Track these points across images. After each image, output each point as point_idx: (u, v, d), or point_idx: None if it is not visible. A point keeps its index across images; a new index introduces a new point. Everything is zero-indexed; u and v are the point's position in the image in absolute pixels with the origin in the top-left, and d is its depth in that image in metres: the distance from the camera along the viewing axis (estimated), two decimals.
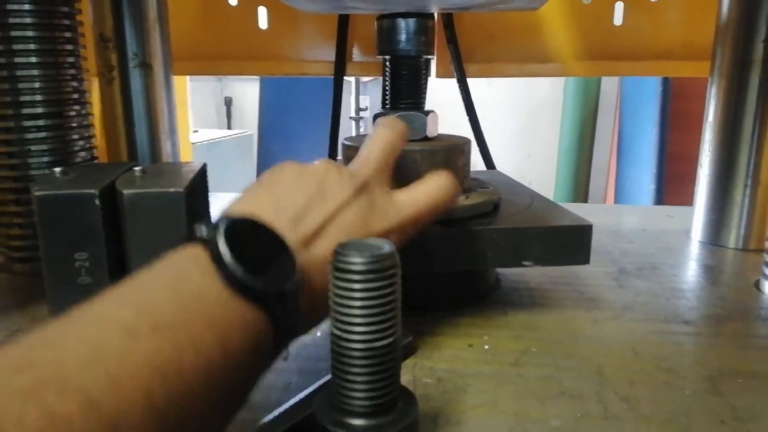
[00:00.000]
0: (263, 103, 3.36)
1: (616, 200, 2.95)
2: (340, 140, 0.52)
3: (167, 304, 0.23)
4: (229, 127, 3.61)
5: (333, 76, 0.86)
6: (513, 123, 3.72)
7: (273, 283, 0.26)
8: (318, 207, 0.31)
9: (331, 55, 0.86)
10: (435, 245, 0.41)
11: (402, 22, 0.46)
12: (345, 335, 0.25)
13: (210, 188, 0.52)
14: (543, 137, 3.75)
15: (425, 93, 0.51)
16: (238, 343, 0.24)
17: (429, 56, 0.49)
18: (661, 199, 2.35)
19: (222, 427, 0.25)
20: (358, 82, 3.14)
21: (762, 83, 0.58)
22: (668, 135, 2.33)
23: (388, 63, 0.49)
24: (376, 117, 0.49)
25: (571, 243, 0.42)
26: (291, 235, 0.29)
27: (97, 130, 0.62)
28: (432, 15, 0.47)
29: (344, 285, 0.25)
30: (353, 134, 3.28)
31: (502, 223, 0.43)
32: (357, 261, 0.25)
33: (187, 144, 1.22)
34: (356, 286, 0.25)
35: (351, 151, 0.47)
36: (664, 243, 0.63)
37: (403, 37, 0.46)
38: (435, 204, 0.36)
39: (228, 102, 3.69)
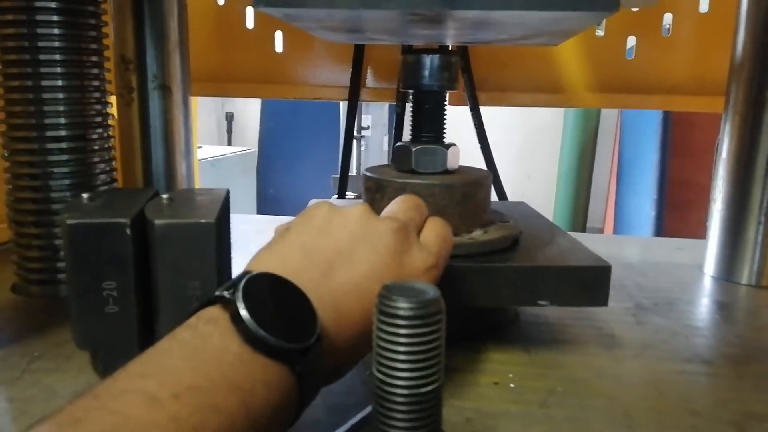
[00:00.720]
0: (264, 119, 3.37)
1: (616, 225, 2.96)
2: (358, 165, 0.52)
3: (188, 369, 0.24)
4: (229, 143, 3.62)
5: (347, 101, 0.86)
6: (513, 144, 3.75)
7: (294, 340, 0.26)
8: (351, 257, 0.31)
9: (344, 79, 0.87)
10: (449, 281, 0.41)
11: (427, 59, 0.47)
12: (389, 380, 0.25)
13: None
14: (543, 159, 3.78)
15: (445, 125, 0.51)
16: (261, 401, 0.24)
17: (452, 90, 0.50)
18: (661, 225, 2.36)
19: None
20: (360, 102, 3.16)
21: None
22: (669, 161, 2.35)
23: (411, 96, 0.50)
24: (396, 150, 0.50)
25: (588, 284, 0.42)
26: (320, 289, 0.29)
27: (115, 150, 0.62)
28: (456, 52, 0.48)
29: (390, 330, 0.25)
30: (354, 152, 3.29)
31: (519, 260, 0.43)
32: (403, 306, 0.25)
33: (196, 161, 1.23)
34: (402, 331, 0.25)
35: (375, 183, 0.47)
36: (677, 277, 0.64)
37: (427, 72, 0.47)
38: (449, 239, 0.37)
39: (229, 117, 3.70)
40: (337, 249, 0.31)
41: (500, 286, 0.42)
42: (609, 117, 3.17)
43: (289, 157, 3.13)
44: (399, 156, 0.48)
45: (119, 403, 0.22)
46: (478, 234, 0.45)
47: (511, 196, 0.80)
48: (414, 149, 0.46)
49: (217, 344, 0.25)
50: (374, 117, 3.25)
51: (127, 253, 0.38)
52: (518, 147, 3.86)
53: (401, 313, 0.25)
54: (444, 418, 0.35)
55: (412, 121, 0.48)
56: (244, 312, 0.25)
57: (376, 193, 0.47)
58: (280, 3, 0.39)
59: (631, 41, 0.81)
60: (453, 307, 0.42)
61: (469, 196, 0.45)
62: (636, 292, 0.58)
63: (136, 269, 0.39)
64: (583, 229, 3.48)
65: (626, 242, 0.85)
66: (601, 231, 3.35)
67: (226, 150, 2.29)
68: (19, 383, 0.34)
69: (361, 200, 0.53)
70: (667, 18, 0.80)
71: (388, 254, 0.32)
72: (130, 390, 0.22)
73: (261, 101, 3.09)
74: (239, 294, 0.26)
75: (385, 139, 2.83)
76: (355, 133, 3.14)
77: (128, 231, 0.38)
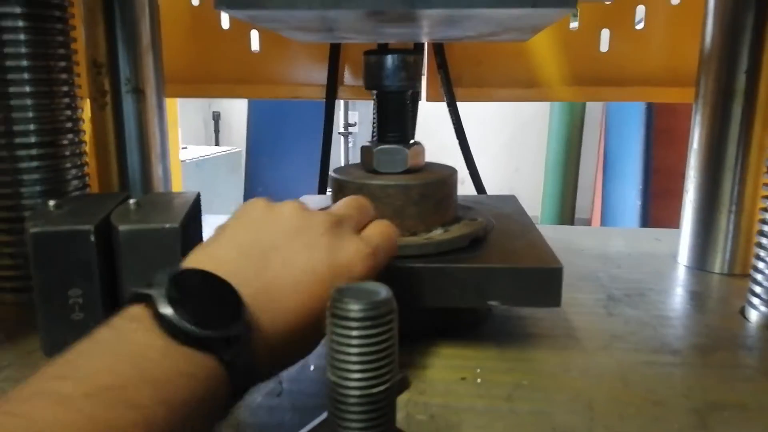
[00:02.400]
0: (252, 118, 3.36)
1: (603, 215, 2.98)
2: (346, 161, 0.52)
3: (105, 367, 0.24)
4: (216, 142, 3.60)
5: (325, 100, 0.86)
6: (500, 138, 3.77)
7: (217, 329, 0.26)
8: (286, 251, 0.31)
9: (322, 78, 0.87)
10: (401, 281, 0.41)
11: (387, 59, 0.47)
12: (342, 381, 0.26)
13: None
14: (530, 152, 3.80)
15: (412, 124, 0.52)
16: (185, 394, 0.25)
17: (414, 90, 0.50)
18: (647, 214, 2.38)
19: None
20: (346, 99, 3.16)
21: (744, 113, 0.59)
22: (653, 151, 2.36)
23: (375, 97, 0.50)
24: (361, 150, 0.50)
25: (540, 285, 0.41)
26: (254, 284, 0.29)
27: (89, 154, 0.62)
28: (417, 50, 0.48)
29: (342, 332, 0.25)
30: (342, 149, 3.29)
31: (470, 261, 0.43)
32: (354, 308, 0.25)
33: (177, 162, 1.23)
34: (354, 333, 0.25)
35: (337, 184, 0.48)
36: (651, 267, 0.64)
37: (387, 73, 0.47)
38: (392, 236, 0.37)
39: (216, 117, 3.69)
40: (271, 244, 0.32)
41: (449, 287, 0.42)
42: (595, 109, 3.19)
43: (277, 154, 3.13)
44: (364, 156, 0.48)
45: (27, 405, 0.22)
46: (437, 233, 0.45)
47: (500, 189, 0.80)
48: (375, 150, 0.47)
49: (141, 340, 0.25)
50: (361, 113, 3.26)
51: (92, 260, 0.38)
52: (506, 140, 3.87)
53: (352, 315, 0.25)
54: (409, 416, 0.36)
55: (377, 121, 0.49)
56: (165, 306, 0.26)
57: (338, 193, 0.47)
58: (242, 5, 0.39)
59: (605, 34, 0.82)
60: (412, 306, 0.42)
61: (427, 195, 0.46)
62: (609, 283, 0.59)
63: (102, 276, 0.39)
64: (572, 220, 3.50)
65: (606, 234, 0.86)
66: (588, 221, 3.37)
67: (211, 150, 2.28)
68: None
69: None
70: (640, 10, 0.81)
71: (323, 247, 0.32)
72: (42, 392, 0.22)
73: (248, 101, 3.08)
74: (162, 290, 0.26)
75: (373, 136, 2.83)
76: (342, 130, 3.14)
77: (92, 238, 0.38)
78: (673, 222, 0.71)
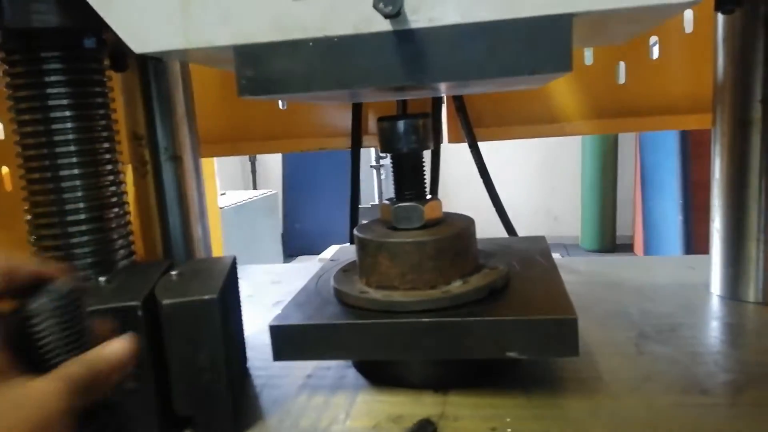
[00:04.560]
0: (287, 158, 3.45)
1: (645, 232, 2.92)
2: (380, 194, 0.55)
3: None
4: (254, 184, 3.70)
5: (351, 150, 0.90)
6: (535, 158, 3.75)
7: None
8: None
9: (348, 127, 0.90)
10: (422, 336, 0.43)
11: (399, 124, 0.50)
12: None
13: (239, 256, 0.56)
14: (566, 171, 3.76)
15: (436, 175, 0.54)
16: None
17: (427, 148, 0.52)
18: (689, 228, 2.32)
19: None
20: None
21: (764, 142, 0.60)
22: (690, 164, 2.32)
23: (391, 159, 0.53)
24: (382, 208, 0.53)
25: (555, 336, 0.42)
26: None
27: (132, 220, 0.66)
28: (425, 114, 0.51)
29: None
30: (375, 182, 3.34)
31: (485, 314, 0.44)
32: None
33: (216, 211, 1.28)
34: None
35: (359, 241, 0.50)
36: (683, 299, 0.64)
37: (399, 136, 0.50)
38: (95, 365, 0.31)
39: (252, 159, 3.80)
40: None
41: (467, 340, 0.43)
42: None
43: (312, 192, 3.19)
44: (383, 214, 0.51)
45: None
46: (455, 285, 0.47)
47: (537, 209, 0.81)
48: (392, 208, 0.49)
49: None
50: None
51: (140, 332, 0.42)
52: (540, 161, 3.85)
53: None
54: None
55: (394, 180, 0.51)
56: None
57: (361, 251, 0.50)
58: (262, 92, 0.43)
59: (621, 66, 0.83)
60: (434, 358, 0.43)
61: (443, 249, 0.47)
62: (640, 319, 0.59)
63: (151, 346, 0.42)
64: (613, 238, 3.44)
65: (639, 263, 0.86)
66: (631, 239, 3.30)
67: (248, 195, 2.35)
68: None
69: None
70: (654, 41, 0.82)
71: None
72: None
73: None
74: None
75: None
76: (374, 163, 3.18)
77: (140, 313, 0.42)
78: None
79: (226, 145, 0.93)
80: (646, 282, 0.71)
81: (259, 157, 3.87)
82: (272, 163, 3.76)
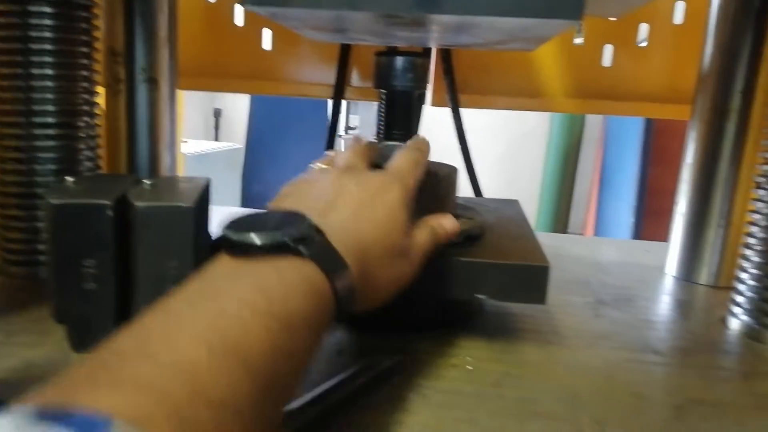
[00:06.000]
0: (253, 116, 3.37)
1: (596, 231, 3.00)
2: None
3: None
4: (216, 139, 3.62)
5: (332, 100, 0.89)
6: (497, 149, 3.79)
7: (289, 233, 0.29)
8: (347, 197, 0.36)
9: (330, 78, 0.89)
10: None
11: (397, 61, 0.49)
12: None
13: None
14: (527, 165, 3.82)
15: (417, 123, 0.54)
16: (292, 303, 0.27)
17: (421, 91, 0.52)
18: (639, 231, 2.40)
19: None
20: (348, 102, 3.18)
21: (737, 131, 0.62)
22: (649, 170, 2.39)
23: (383, 96, 0.52)
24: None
25: (526, 281, 0.43)
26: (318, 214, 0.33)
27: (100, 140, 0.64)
28: (426, 54, 0.51)
29: None
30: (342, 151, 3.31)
31: (460, 255, 0.44)
32: None
33: (179, 155, 1.24)
34: None
35: None
36: (639, 276, 0.66)
37: (397, 73, 0.50)
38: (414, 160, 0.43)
39: (217, 113, 3.70)
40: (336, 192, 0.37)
41: (440, 279, 0.44)
42: (594, 124, 3.22)
43: (277, 154, 3.14)
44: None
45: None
46: None
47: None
48: (380, 145, 0.49)
49: (227, 273, 0.29)
50: (362, 117, 3.28)
51: (108, 232, 0.40)
52: (502, 152, 3.90)
53: None
54: (401, 395, 0.37)
55: (384, 119, 0.51)
56: (234, 233, 0.30)
57: None
58: (267, 2, 0.41)
59: (608, 50, 0.84)
60: (408, 296, 0.44)
61: (425, 190, 0.47)
62: (599, 288, 0.61)
63: (115, 249, 0.41)
64: (564, 233, 3.53)
65: (599, 243, 0.88)
66: (581, 236, 3.40)
67: (212, 145, 2.30)
68: None
69: None
70: (643, 28, 0.83)
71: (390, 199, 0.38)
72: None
73: (250, 98, 3.10)
74: (228, 228, 0.30)
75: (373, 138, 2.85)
76: (344, 133, 3.16)
77: (110, 212, 0.40)
78: (664, 239, 0.73)
79: (203, 80, 0.90)
80: (604, 259, 0.74)
81: (223, 112, 3.77)
82: (236, 120, 3.67)
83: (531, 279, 0.43)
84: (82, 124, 0.58)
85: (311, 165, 0.45)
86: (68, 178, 0.45)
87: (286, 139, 3.05)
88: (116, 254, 0.41)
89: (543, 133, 3.54)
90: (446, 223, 0.43)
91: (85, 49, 0.57)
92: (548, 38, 0.57)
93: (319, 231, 0.31)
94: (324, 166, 0.44)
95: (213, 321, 0.25)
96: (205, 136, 3.61)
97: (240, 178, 2.64)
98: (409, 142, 0.46)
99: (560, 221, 3.50)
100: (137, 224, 0.40)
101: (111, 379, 0.21)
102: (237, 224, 0.30)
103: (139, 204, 0.40)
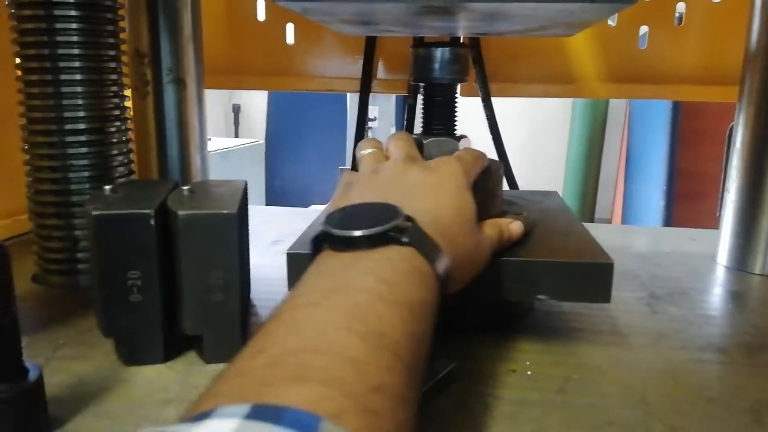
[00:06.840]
0: (271, 111, 3.37)
1: (624, 216, 2.95)
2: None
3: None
4: (236, 135, 3.62)
5: (359, 93, 0.87)
6: (520, 136, 3.74)
7: (389, 224, 0.30)
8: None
9: (355, 71, 0.87)
10: None
11: (437, 52, 0.47)
12: None
13: None
14: (551, 151, 3.77)
15: (456, 118, 0.52)
16: (409, 291, 0.28)
17: (462, 82, 0.50)
18: (670, 216, 2.35)
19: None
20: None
21: None
22: (678, 152, 2.33)
23: (422, 89, 0.50)
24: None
25: (590, 280, 0.41)
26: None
27: None
28: (466, 44, 0.48)
29: None
30: None
31: (518, 254, 0.42)
32: None
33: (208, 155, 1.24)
34: None
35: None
36: (690, 267, 0.64)
37: (437, 65, 0.48)
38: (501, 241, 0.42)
39: (236, 109, 3.70)
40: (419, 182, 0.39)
41: (500, 280, 0.41)
42: (618, 108, 3.16)
43: (296, 149, 3.13)
44: None
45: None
46: None
47: (520, 187, 0.81)
48: (425, 141, 0.47)
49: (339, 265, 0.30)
50: (381, 108, 3.25)
51: (152, 243, 0.39)
52: (525, 139, 3.85)
53: None
54: (465, 404, 0.36)
55: (423, 113, 0.49)
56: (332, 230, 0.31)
57: None
58: None
59: (644, 31, 0.81)
60: (463, 299, 0.42)
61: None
62: (649, 282, 0.58)
63: (160, 259, 0.40)
64: (591, 220, 3.48)
65: (637, 232, 0.85)
66: (609, 221, 3.35)
67: (234, 142, 2.29)
68: (46, 370, 0.35)
69: None
70: (680, 7, 0.80)
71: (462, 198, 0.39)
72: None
73: (268, 93, 3.09)
74: (328, 225, 0.31)
75: (392, 130, 2.83)
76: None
77: (152, 222, 0.39)
78: (698, 224, 0.71)
79: (227, 77, 0.89)
80: (649, 249, 0.71)
81: (243, 108, 3.78)
82: (254, 116, 3.67)
83: (595, 277, 0.41)
84: (113, 128, 0.57)
85: (359, 153, 0.44)
86: (106, 187, 0.44)
87: (305, 132, 3.04)
88: (160, 264, 0.40)
89: (565, 118, 3.49)
90: (514, 226, 0.43)
91: (112, 52, 0.56)
92: (592, 24, 0.55)
93: (411, 219, 0.31)
94: (371, 150, 0.44)
95: (351, 312, 0.25)
96: (226, 133, 3.62)
97: (263, 174, 2.64)
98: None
99: (587, 207, 3.45)
100: (180, 233, 0.39)
101: (294, 374, 0.21)
102: (335, 220, 0.31)
103: (182, 212, 0.39)
